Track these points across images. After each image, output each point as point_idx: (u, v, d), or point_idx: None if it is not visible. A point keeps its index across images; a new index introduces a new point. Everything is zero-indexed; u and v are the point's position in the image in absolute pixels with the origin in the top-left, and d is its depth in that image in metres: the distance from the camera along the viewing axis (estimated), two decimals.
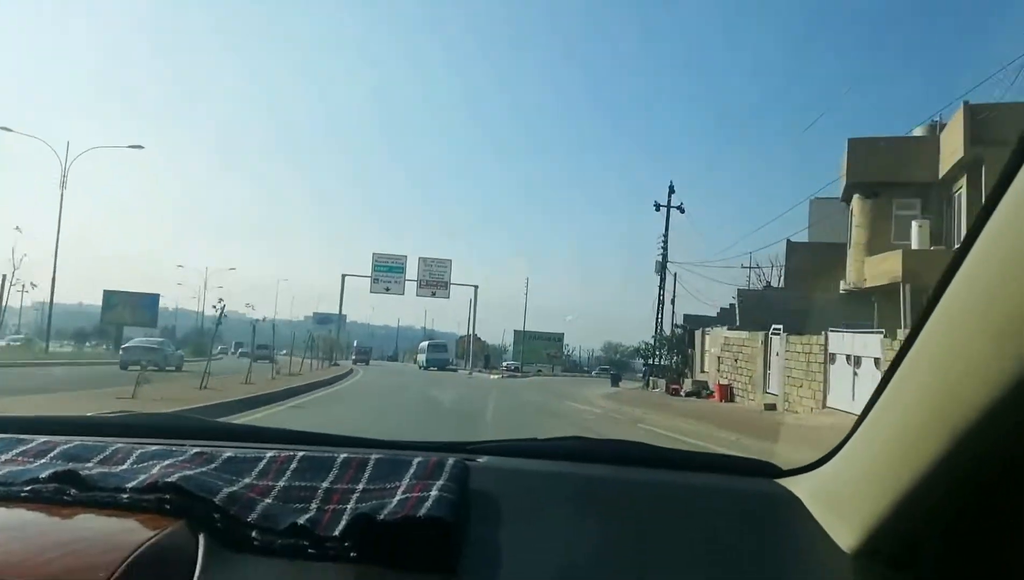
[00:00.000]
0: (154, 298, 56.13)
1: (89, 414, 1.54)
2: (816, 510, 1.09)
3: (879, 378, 0.94)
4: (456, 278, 61.50)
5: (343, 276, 59.90)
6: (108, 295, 54.48)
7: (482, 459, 1.26)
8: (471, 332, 66.73)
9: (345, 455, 1.11)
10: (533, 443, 1.41)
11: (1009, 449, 0.72)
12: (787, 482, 1.23)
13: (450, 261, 61.05)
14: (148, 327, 57.21)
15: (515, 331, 73.72)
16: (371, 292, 59.47)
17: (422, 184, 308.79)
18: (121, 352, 28.15)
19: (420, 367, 63.88)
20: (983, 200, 0.71)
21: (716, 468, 1.35)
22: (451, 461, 1.10)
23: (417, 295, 60.46)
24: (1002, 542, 0.84)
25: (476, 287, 62.71)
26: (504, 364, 73.35)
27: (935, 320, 0.78)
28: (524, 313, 69.22)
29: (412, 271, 60.00)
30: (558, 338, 73.30)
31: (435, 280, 60.26)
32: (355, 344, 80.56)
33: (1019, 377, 0.64)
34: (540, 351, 69.89)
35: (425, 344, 69.52)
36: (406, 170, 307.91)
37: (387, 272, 59.49)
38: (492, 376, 49.32)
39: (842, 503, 1.02)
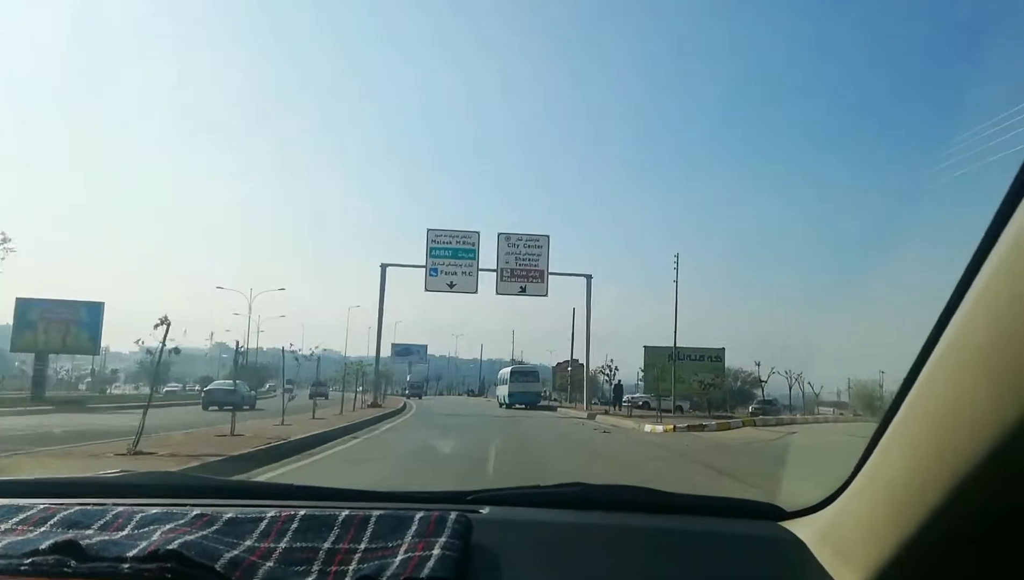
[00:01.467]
0: (95, 308, 36.60)
1: (88, 475, 1.53)
2: (821, 554, 1.08)
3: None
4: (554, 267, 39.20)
5: (383, 266, 38.90)
6: (23, 306, 35.43)
7: (484, 510, 1.26)
8: (575, 357, 44.40)
9: (347, 512, 1.11)
10: (536, 491, 1.40)
11: (1016, 494, 0.73)
12: (791, 524, 1.23)
13: (547, 237, 38.95)
14: (86, 354, 37.93)
15: (646, 347, 49.62)
16: (427, 290, 38.06)
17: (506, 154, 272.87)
18: (203, 394, 32.71)
19: (501, 404, 45.05)
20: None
21: (721, 511, 1.35)
22: (453, 516, 1.10)
23: (498, 293, 38.55)
24: None
25: (589, 277, 40.09)
26: (626, 397, 50.80)
27: (936, 358, 0.79)
28: (675, 314, 41.84)
29: (488, 258, 38.34)
30: (716, 356, 47.83)
31: (525, 268, 38.25)
32: (408, 378, 78.81)
33: (1020, 424, 0.66)
34: (687, 378, 45.81)
35: (507, 372, 47.99)
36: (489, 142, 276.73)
37: (451, 257, 37.97)
38: (653, 428, 21.92)
39: (847, 547, 1.01)
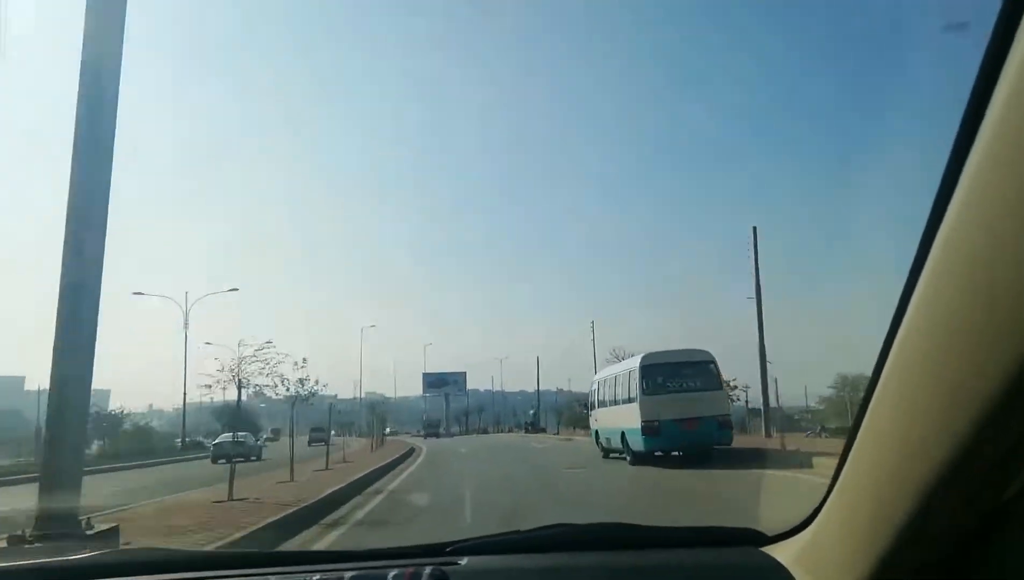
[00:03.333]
0: None
1: (70, 557, 1.47)
2: (801, 577, 1.09)
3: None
4: None
5: None
6: None
7: (463, 561, 1.22)
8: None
9: (318, 577, 1.11)
10: (516, 536, 1.37)
11: (983, 499, 0.76)
12: (772, 549, 1.23)
13: None
14: None
15: None
16: None
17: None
18: (212, 447, 33.02)
19: (608, 451, 19.17)
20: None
21: (702, 541, 1.34)
22: (428, 571, 1.08)
23: None
24: None
25: None
26: (819, 426, 30.42)
27: (890, 369, 0.80)
28: None
29: None
30: None
31: None
32: (424, 417, 74.22)
33: (977, 431, 0.68)
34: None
35: (627, 368, 18.29)
36: None
37: None
38: None
39: (826, 568, 1.02)
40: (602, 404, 20.32)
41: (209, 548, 6.16)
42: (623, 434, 17.42)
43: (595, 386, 21.81)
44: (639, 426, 15.97)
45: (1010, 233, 0.60)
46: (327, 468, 18.24)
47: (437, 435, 58.97)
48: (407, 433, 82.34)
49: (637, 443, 16.26)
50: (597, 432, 21.02)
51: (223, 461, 27.64)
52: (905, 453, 0.78)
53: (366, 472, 16.00)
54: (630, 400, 17.08)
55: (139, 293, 45.59)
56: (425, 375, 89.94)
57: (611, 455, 19.07)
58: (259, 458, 30.25)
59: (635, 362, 17.57)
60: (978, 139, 0.62)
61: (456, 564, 1.19)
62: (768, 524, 1.36)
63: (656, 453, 16.31)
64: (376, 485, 14.42)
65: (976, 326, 0.64)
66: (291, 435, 17.64)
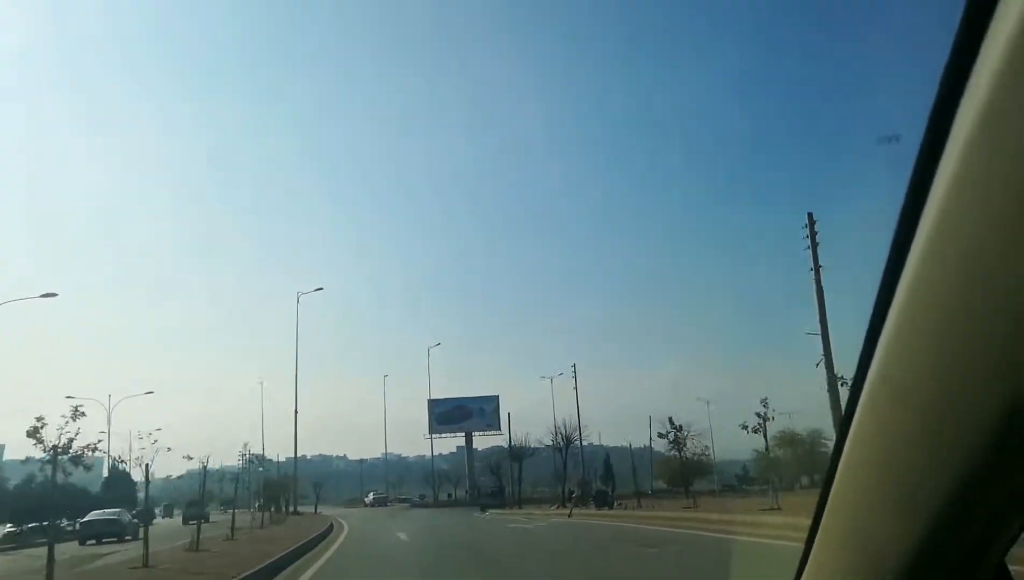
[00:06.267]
0: None
1: None
2: None
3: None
4: None
5: None
6: None
7: None
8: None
9: None
10: None
11: (960, 561, 0.75)
12: None
13: None
14: None
15: None
16: None
17: None
18: (79, 527, 28.68)
19: None
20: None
21: None
22: None
23: None
24: None
25: None
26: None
27: (849, 450, 0.79)
28: None
29: None
30: None
31: None
32: (476, 483, 47.91)
33: (953, 499, 0.67)
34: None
35: None
36: None
37: None
38: None
39: None
40: None
41: None
42: None
43: None
44: None
45: (976, 279, 0.61)
46: None
47: (503, 506, 34.93)
48: (401, 502, 53.05)
49: None
50: None
51: (92, 542, 26.01)
52: (876, 521, 0.77)
53: None
54: None
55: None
56: (432, 403, 51.57)
57: None
58: (135, 537, 24.88)
59: None
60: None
61: None
62: None
63: None
64: None
65: (945, 389, 0.63)
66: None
